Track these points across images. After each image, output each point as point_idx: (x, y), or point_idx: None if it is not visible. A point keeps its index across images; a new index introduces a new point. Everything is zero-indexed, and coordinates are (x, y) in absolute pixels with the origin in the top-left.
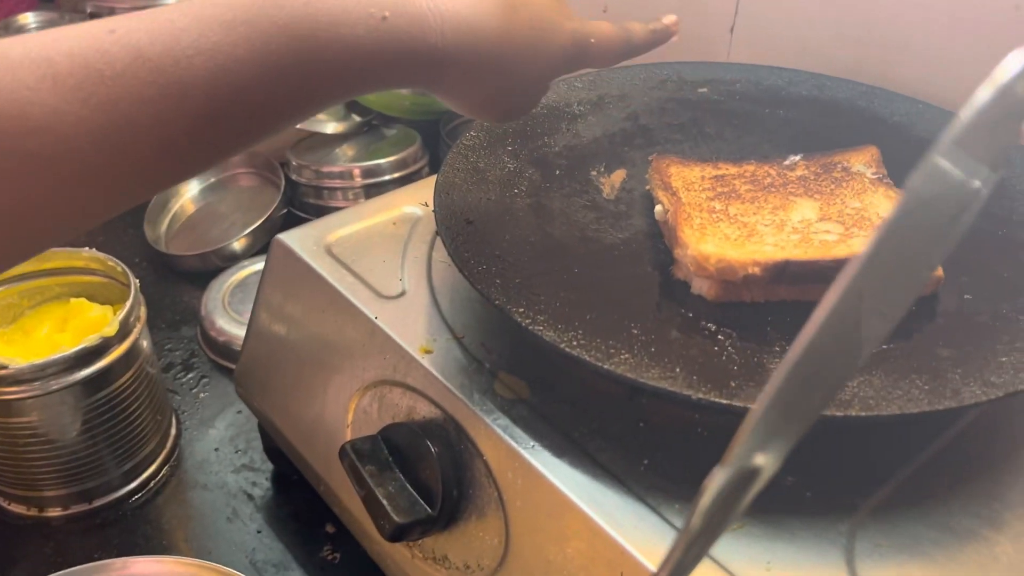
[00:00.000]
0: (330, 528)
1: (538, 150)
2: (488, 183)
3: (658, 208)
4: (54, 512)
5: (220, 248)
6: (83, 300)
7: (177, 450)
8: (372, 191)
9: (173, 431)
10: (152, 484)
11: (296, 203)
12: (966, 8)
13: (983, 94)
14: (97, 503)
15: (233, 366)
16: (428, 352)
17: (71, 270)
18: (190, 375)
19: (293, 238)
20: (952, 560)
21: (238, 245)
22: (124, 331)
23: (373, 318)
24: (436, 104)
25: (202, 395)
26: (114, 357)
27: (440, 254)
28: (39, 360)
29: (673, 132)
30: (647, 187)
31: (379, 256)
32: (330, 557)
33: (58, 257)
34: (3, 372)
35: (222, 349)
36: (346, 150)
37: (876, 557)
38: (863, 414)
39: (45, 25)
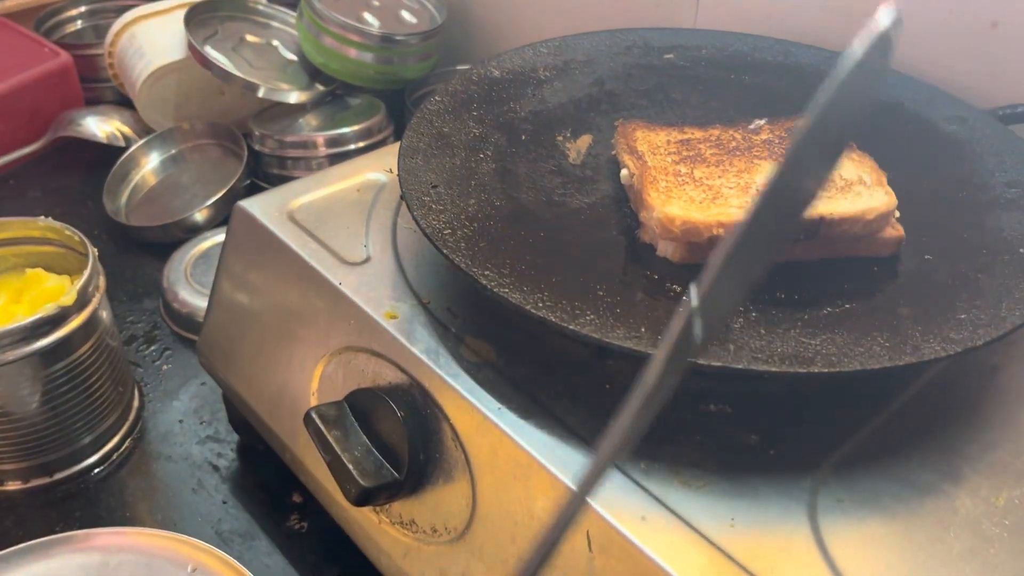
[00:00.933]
0: (297, 498)
1: (504, 115)
2: (453, 148)
3: (624, 172)
4: (14, 486)
5: (182, 219)
6: (39, 271)
7: (140, 422)
8: (336, 160)
9: (136, 403)
10: (115, 456)
11: (259, 174)
12: None
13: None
14: (58, 476)
15: (196, 338)
16: (393, 317)
17: (27, 240)
18: (153, 347)
19: (255, 205)
20: (912, 514)
21: (200, 216)
22: (83, 301)
23: (337, 284)
24: (401, 73)
25: (165, 367)
26: (72, 327)
27: (405, 220)
28: None
29: (639, 98)
30: (613, 152)
31: (343, 223)
32: (297, 526)
33: (13, 227)
34: None
35: (185, 321)
36: (310, 120)
37: (838, 512)
38: (826, 370)
39: None
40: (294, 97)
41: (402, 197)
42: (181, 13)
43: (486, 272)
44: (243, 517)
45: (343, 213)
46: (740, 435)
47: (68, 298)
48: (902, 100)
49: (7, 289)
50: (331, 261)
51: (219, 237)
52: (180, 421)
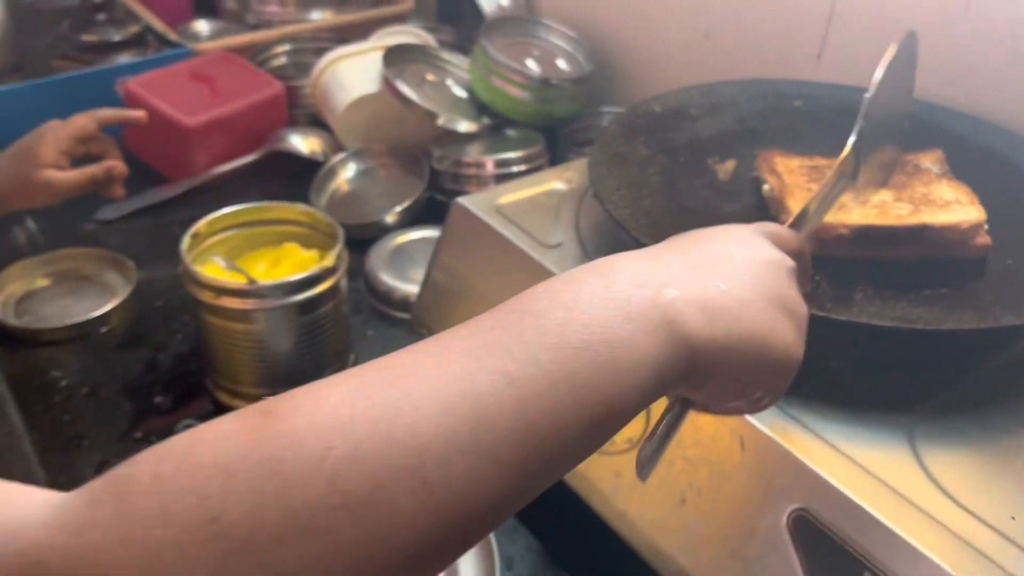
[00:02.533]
0: None
1: (665, 142)
2: (628, 164)
3: (765, 187)
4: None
5: (378, 220)
6: (294, 244)
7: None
8: (501, 180)
9: (351, 358)
10: None
11: (436, 188)
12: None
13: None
14: None
15: (392, 312)
16: None
17: (285, 221)
18: (359, 317)
19: (469, 201)
20: (994, 444)
21: (391, 219)
22: (335, 267)
23: (540, 260)
24: (555, 111)
25: (369, 332)
26: (325, 287)
27: (585, 218)
28: (275, 280)
29: (774, 134)
30: (754, 174)
31: (537, 217)
32: None
33: (276, 210)
34: (251, 287)
35: (383, 298)
36: (476, 147)
37: (933, 439)
38: (927, 327)
39: (217, 34)
40: (464, 126)
41: (594, 195)
42: (373, 55)
43: None
44: None
45: (536, 211)
46: (855, 384)
47: (329, 261)
48: (995, 146)
49: (267, 257)
50: (533, 244)
51: (409, 235)
52: None
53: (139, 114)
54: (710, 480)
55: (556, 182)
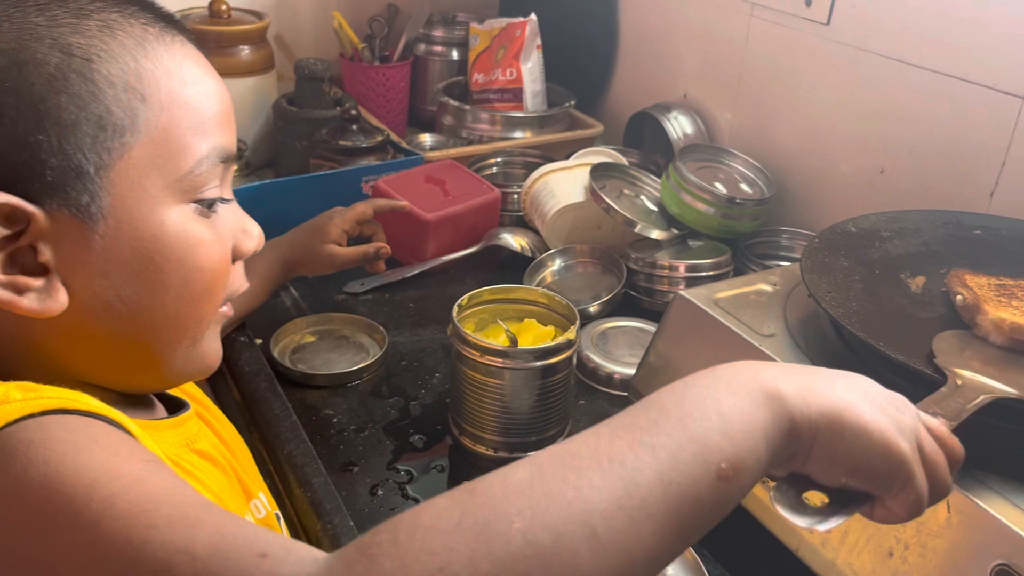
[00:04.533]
0: None
1: (861, 257)
2: (833, 272)
3: (959, 298)
4: (489, 451)
5: (583, 308)
6: (533, 321)
7: (568, 432)
8: (691, 283)
9: (570, 421)
10: None
11: (630, 285)
12: None
13: None
14: (516, 454)
15: (598, 386)
16: None
17: (526, 301)
18: None
19: (691, 294)
20: None
21: (593, 308)
22: (575, 340)
23: (758, 346)
24: (736, 227)
25: (581, 402)
26: (565, 356)
27: (792, 314)
28: (530, 347)
29: (956, 256)
30: (943, 288)
31: (749, 312)
32: None
33: (518, 291)
34: (511, 349)
35: (591, 373)
36: (665, 252)
37: None
38: None
39: (438, 145)
40: (656, 234)
41: (810, 295)
42: (578, 171)
43: (878, 341)
44: None
45: (748, 306)
46: None
47: (571, 334)
48: None
49: (510, 329)
50: (750, 332)
51: (610, 323)
52: None
53: (404, 203)
54: (917, 536)
55: (762, 284)
